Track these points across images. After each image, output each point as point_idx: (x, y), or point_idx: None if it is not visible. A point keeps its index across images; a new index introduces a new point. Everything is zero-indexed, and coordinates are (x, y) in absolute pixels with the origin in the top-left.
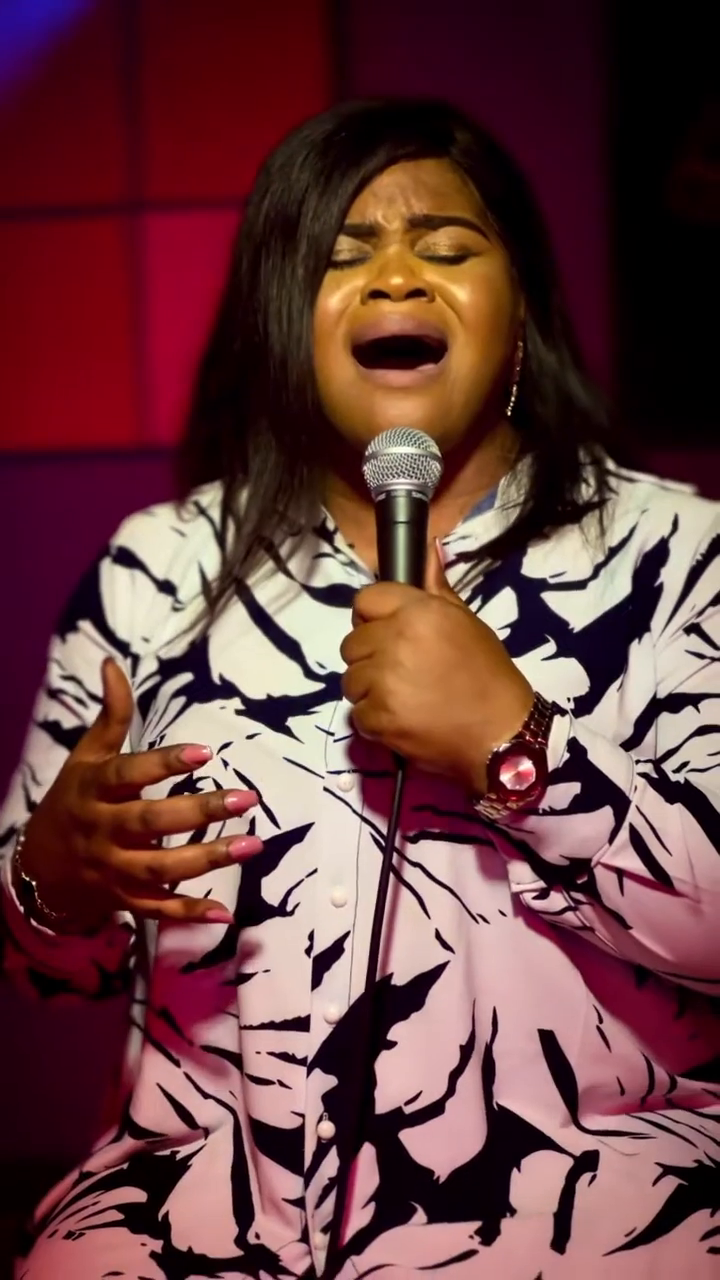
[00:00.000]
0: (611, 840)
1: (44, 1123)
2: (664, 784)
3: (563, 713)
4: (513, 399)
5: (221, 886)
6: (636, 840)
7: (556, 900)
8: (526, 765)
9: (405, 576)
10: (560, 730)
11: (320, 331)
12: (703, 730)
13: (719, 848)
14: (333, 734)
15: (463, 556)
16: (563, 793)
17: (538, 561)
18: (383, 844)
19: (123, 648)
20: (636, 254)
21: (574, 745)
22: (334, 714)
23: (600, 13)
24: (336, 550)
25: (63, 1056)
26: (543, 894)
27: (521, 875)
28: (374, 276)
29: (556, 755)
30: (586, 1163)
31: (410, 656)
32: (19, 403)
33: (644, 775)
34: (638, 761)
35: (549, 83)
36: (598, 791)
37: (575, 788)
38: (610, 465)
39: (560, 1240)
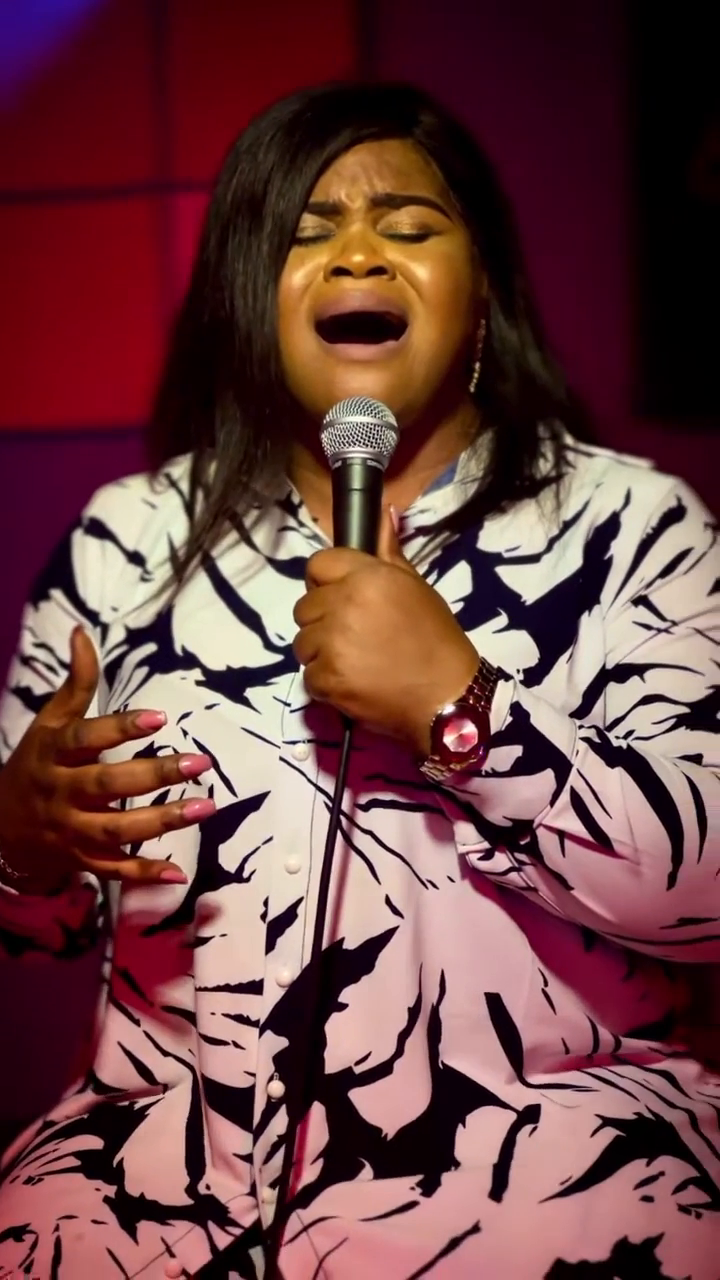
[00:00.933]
0: (553, 802)
1: (12, 1081)
2: (605, 748)
3: (507, 678)
4: (475, 375)
5: (181, 852)
6: (577, 803)
7: (501, 861)
8: (469, 728)
9: (358, 542)
10: (504, 694)
11: (284, 307)
12: (648, 699)
13: (658, 811)
14: (289, 705)
15: (421, 530)
16: (505, 755)
17: (494, 535)
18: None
19: (92, 616)
20: (660, 237)
21: (516, 709)
22: (291, 685)
23: (623, 3)
24: (300, 524)
25: (33, 1015)
26: (487, 855)
27: (467, 836)
28: (337, 254)
29: (499, 719)
30: (529, 1115)
31: (358, 620)
32: (52, 381)
33: (586, 740)
34: (581, 727)
35: (573, 66)
36: (539, 755)
37: (517, 750)
38: (568, 440)
39: (498, 1190)
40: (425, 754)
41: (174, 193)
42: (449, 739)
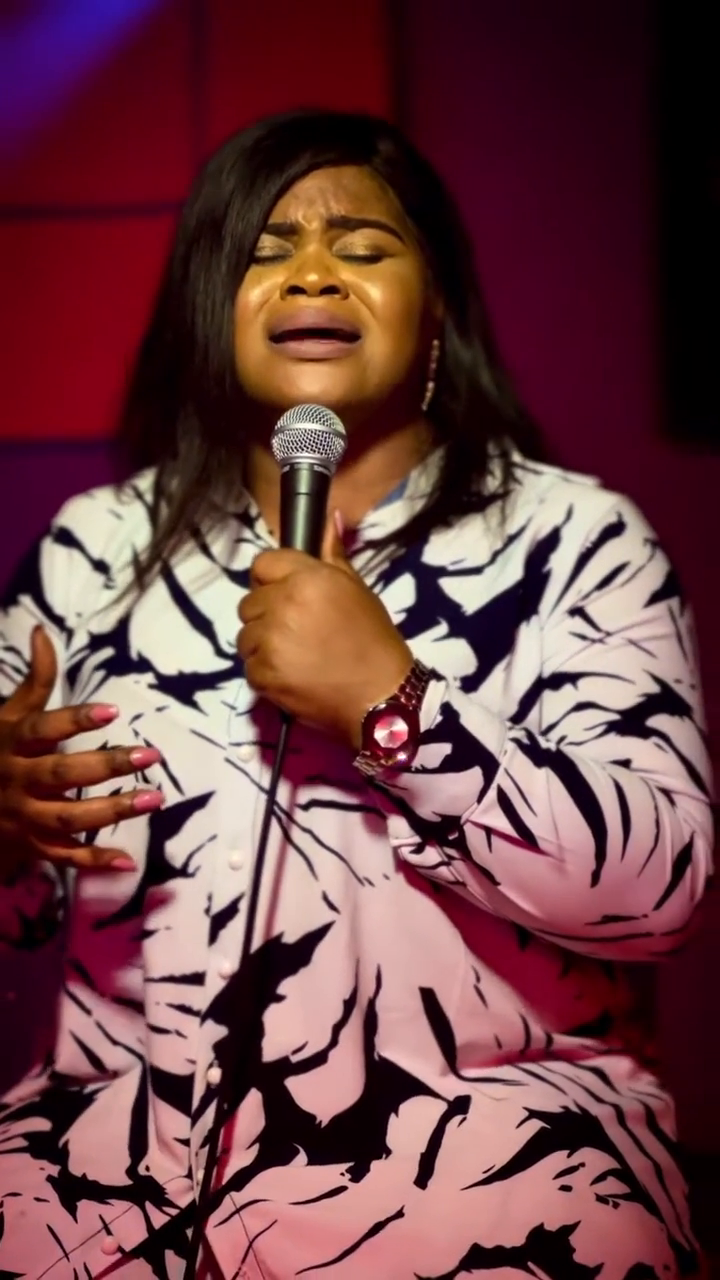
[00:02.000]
0: (480, 800)
1: None
2: (534, 749)
3: (439, 679)
4: (428, 394)
5: (130, 846)
6: (504, 801)
7: (431, 855)
8: (400, 725)
9: (302, 544)
10: (435, 694)
11: (240, 321)
12: (580, 706)
13: (583, 810)
14: (235, 708)
15: (370, 544)
16: (434, 752)
17: (439, 549)
18: (277, 812)
19: (59, 622)
20: (683, 248)
21: (447, 709)
22: (239, 690)
23: (645, 10)
24: (257, 536)
25: None
26: (418, 849)
27: (399, 830)
28: (292, 273)
29: (429, 717)
30: (458, 1106)
31: (296, 618)
32: (88, 394)
33: (515, 740)
34: (511, 729)
35: (594, 78)
36: (467, 753)
37: (446, 748)
38: (516, 458)
39: (424, 1178)
40: (357, 749)
41: None
42: (380, 735)
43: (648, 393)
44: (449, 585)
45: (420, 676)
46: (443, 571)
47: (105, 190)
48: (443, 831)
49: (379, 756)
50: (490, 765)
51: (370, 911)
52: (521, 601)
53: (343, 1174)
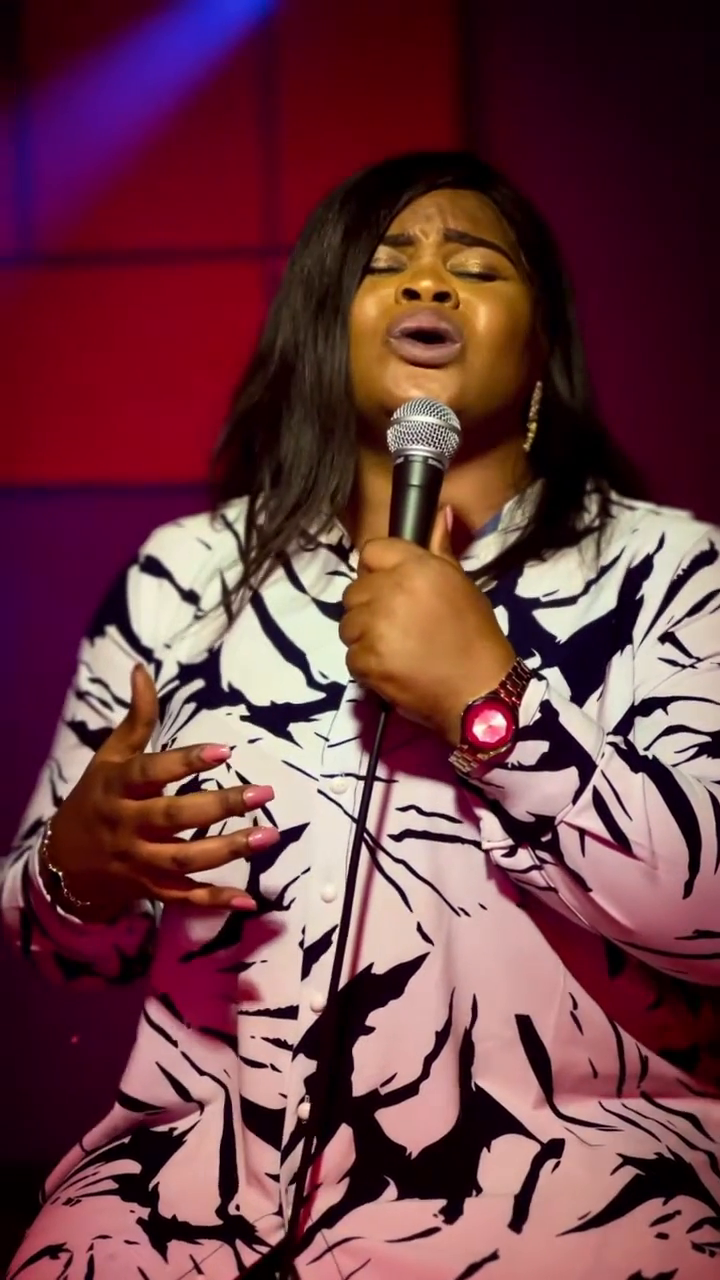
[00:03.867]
0: (575, 800)
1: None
2: (631, 755)
3: (540, 679)
4: (530, 433)
5: (232, 881)
6: (599, 802)
7: (523, 858)
8: (498, 720)
9: (411, 536)
10: (535, 692)
11: (354, 326)
12: (671, 730)
13: (678, 819)
14: (329, 740)
15: None
16: (531, 750)
17: (532, 581)
18: (371, 844)
19: (146, 653)
20: None
21: (546, 707)
22: (332, 722)
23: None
24: (352, 569)
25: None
26: (511, 852)
27: (492, 832)
28: (407, 279)
29: (528, 714)
30: (552, 1149)
31: (403, 606)
32: (161, 438)
33: (613, 744)
34: (609, 734)
35: (680, 125)
36: (565, 752)
37: (544, 746)
38: (613, 495)
39: (518, 1221)
40: (454, 744)
41: (282, 256)
42: (478, 728)
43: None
44: (542, 617)
45: (521, 675)
46: (536, 603)
47: (181, 236)
48: (536, 833)
49: (477, 752)
50: (587, 766)
51: (466, 942)
52: (615, 630)
53: (435, 1214)
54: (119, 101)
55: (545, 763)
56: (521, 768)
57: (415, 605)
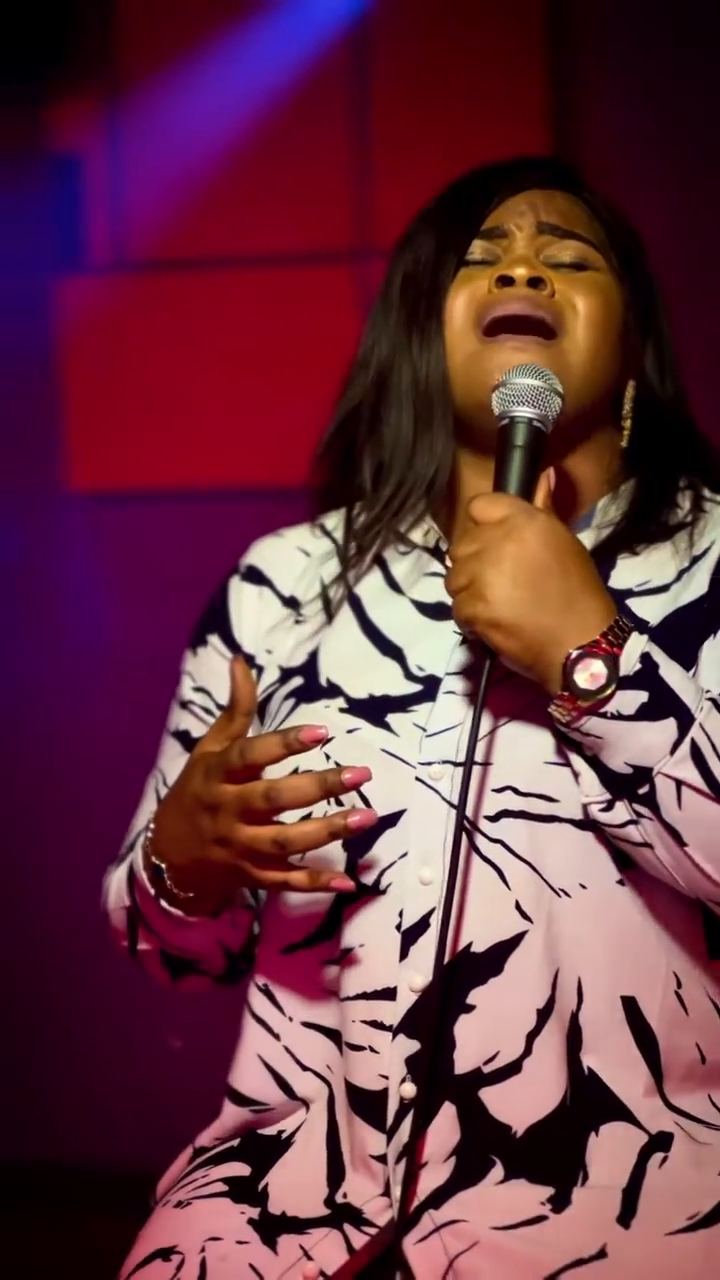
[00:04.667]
0: (673, 751)
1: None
2: None
3: (641, 632)
4: (626, 431)
5: (330, 867)
6: (697, 754)
7: (620, 812)
8: (599, 668)
9: (516, 492)
10: (635, 644)
11: (450, 318)
12: None
13: None
14: (426, 730)
15: None
16: (630, 699)
17: (625, 573)
18: (469, 827)
19: (248, 660)
20: None
21: (646, 659)
22: (430, 712)
23: None
24: (446, 569)
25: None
26: (608, 806)
27: (590, 787)
28: (502, 268)
29: (629, 664)
30: (660, 1143)
31: (511, 556)
32: (253, 443)
33: (712, 699)
34: (708, 691)
35: None
36: (663, 703)
37: (643, 696)
38: (705, 491)
39: (626, 1216)
40: (554, 693)
41: (372, 260)
42: (579, 676)
43: None
44: (636, 605)
45: (623, 627)
46: (629, 594)
47: (272, 241)
48: (633, 785)
49: (577, 699)
50: (686, 717)
51: (567, 922)
52: (706, 615)
53: (543, 1203)
54: (210, 106)
55: (644, 713)
56: (620, 717)
57: (523, 555)
